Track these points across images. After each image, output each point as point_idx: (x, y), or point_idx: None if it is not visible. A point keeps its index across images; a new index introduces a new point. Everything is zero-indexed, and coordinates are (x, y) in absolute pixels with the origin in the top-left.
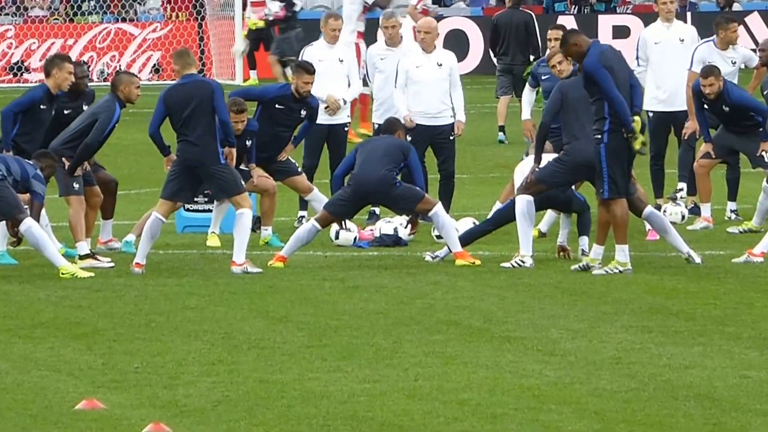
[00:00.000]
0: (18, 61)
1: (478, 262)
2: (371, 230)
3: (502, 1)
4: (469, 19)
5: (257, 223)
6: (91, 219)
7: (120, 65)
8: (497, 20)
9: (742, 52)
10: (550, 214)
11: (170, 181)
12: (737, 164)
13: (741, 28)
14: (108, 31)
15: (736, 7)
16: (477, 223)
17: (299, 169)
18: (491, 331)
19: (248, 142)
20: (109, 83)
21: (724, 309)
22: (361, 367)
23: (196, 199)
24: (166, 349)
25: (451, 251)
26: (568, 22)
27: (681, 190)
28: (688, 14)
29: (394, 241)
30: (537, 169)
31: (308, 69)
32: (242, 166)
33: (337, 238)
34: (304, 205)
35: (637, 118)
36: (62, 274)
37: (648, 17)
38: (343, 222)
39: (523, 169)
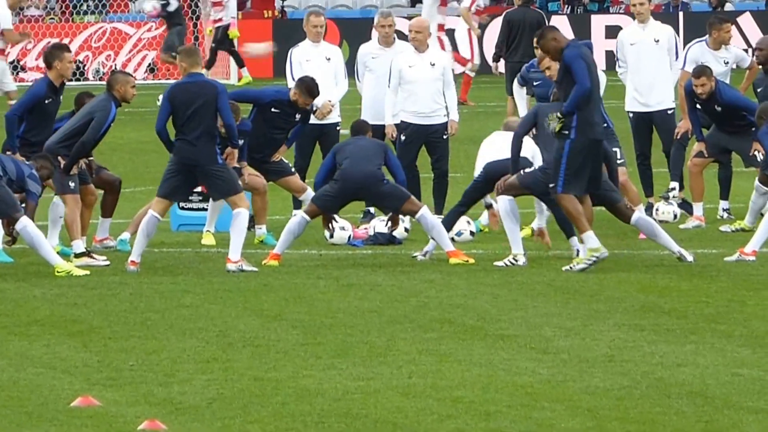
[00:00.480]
0: (14, 60)
1: (471, 260)
2: (365, 229)
3: (495, 0)
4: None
5: (251, 222)
6: (87, 217)
7: (115, 65)
8: (509, 18)
9: (734, 52)
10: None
11: (167, 180)
12: (729, 163)
13: (733, 29)
14: (103, 31)
15: (728, 7)
16: (471, 221)
17: (292, 169)
18: (485, 329)
19: (240, 142)
20: (104, 83)
21: (717, 307)
22: (356, 365)
23: (190, 198)
24: (161, 346)
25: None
26: (561, 22)
27: (673, 189)
28: (680, 14)
29: (388, 239)
30: (521, 174)
31: (312, 93)
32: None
33: (331, 236)
34: (297, 204)
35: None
36: (58, 272)
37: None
38: (330, 224)
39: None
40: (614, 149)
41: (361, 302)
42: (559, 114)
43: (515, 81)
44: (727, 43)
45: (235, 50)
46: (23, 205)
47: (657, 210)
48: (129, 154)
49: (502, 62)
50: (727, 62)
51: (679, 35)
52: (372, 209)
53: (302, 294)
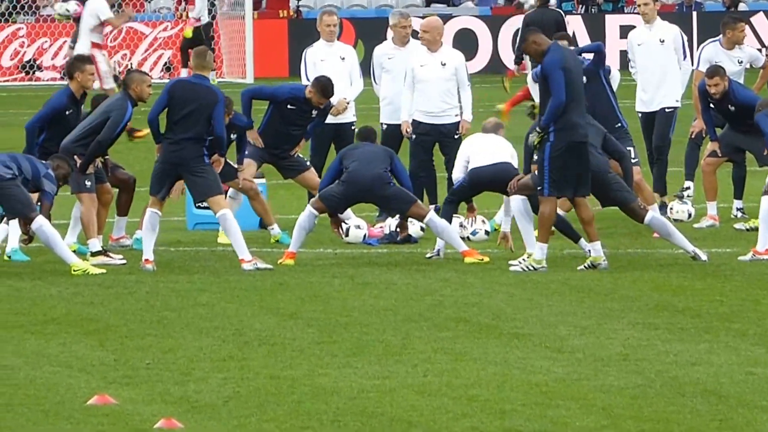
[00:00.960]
0: (30, 60)
1: (486, 259)
2: (381, 227)
3: (510, 0)
4: (478, 19)
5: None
6: (103, 216)
7: (131, 64)
8: (528, 20)
9: (748, 51)
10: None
11: (155, 181)
12: (743, 162)
13: (747, 28)
14: (119, 30)
15: (741, 7)
16: (486, 221)
17: (308, 164)
18: (500, 327)
19: (233, 136)
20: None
21: (731, 306)
22: (371, 364)
23: None
24: (177, 345)
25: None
26: (576, 21)
27: (688, 188)
28: (694, 14)
29: (403, 238)
30: (534, 174)
31: (327, 93)
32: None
33: (346, 235)
34: None
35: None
36: (74, 270)
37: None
38: (338, 227)
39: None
40: (628, 148)
41: (377, 301)
42: (537, 128)
43: (529, 77)
44: (741, 42)
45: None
46: (38, 203)
47: (671, 209)
48: (145, 153)
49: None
50: (741, 62)
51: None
52: None
53: (318, 292)
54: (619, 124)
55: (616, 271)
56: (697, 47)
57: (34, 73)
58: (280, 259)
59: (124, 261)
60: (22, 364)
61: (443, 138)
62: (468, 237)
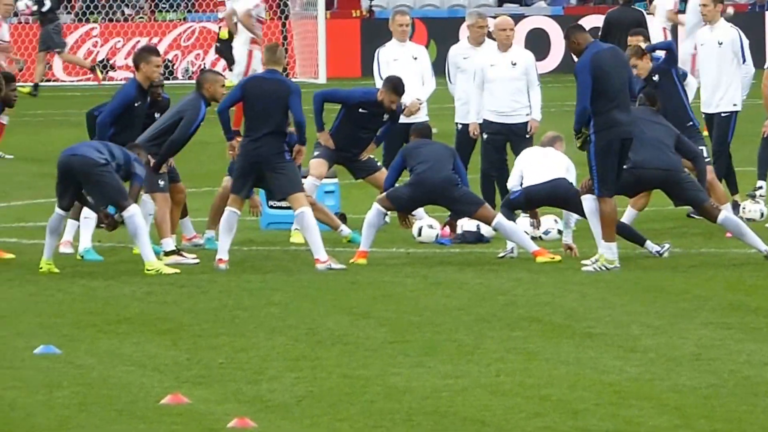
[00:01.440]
0: (103, 60)
1: (558, 258)
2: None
3: (583, 0)
4: (550, 19)
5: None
6: (176, 216)
7: (204, 64)
8: (609, 17)
9: None
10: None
11: (236, 178)
12: None
13: None
14: (192, 30)
15: None
16: (558, 220)
17: (379, 164)
18: (572, 327)
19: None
20: (194, 81)
21: None
22: (443, 363)
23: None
24: (250, 344)
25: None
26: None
27: (760, 188)
28: (766, 13)
29: (476, 237)
30: None
31: (398, 91)
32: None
33: (419, 235)
34: None
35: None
36: (147, 270)
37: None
38: (405, 221)
39: (527, 156)
40: (700, 148)
41: (449, 300)
42: (574, 132)
43: None
44: None
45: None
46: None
47: (744, 208)
48: (219, 152)
49: None
50: None
51: (765, 35)
52: None
53: (390, 292)
54: (691, 123)
55: (689, 271)
56: None
57: (107, 73)
58: (352, 258)
59: (197, 260)
60: (96, 364)
61: (514, 137)
62: (540, 237)
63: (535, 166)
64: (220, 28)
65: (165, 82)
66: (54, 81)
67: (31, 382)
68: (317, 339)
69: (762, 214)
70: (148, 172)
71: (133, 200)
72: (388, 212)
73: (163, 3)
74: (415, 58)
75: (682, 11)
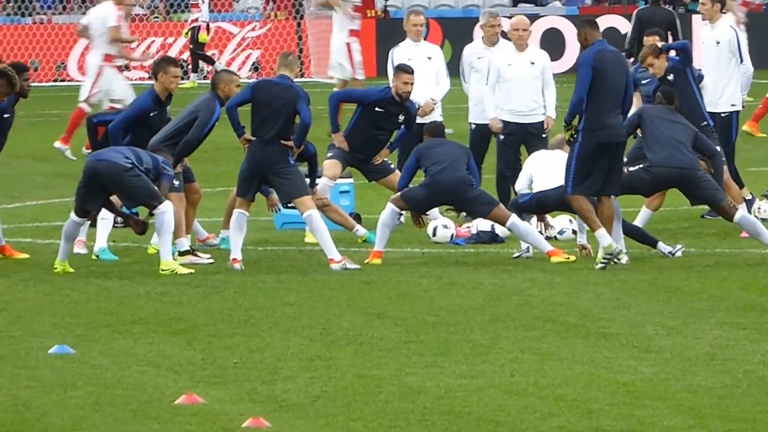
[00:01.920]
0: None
1: (573, 258)
2: (468, 227)
3: (598, 0)
4: (565, 19)
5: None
6: (191, 216)
7: (220, 63)
8: (640, 16)
9: None
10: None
11: (241, 181)
12: None
13: None
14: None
15: None
16: (573, 220)
17: (393, 167)
18: (587, 327)
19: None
20: (208, 81)
21: None
22: (458, 363)
23: None
24: (265, 344)
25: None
26: None
27: None
28: None
29: (491, 238)
30: (625, 172)
31: (406, 69)
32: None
33: (434, 235)
34: None
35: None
36: (162, 270)
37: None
38: (419, 220)
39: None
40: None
41: (464, 300)
42: (564, 124)
43: None
44: None
45: (202, 53)
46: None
47: (759, 208)
48: (233, 152)
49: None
50: None
51: None
52: None
53: (405, 292)
54: (705, 123)
55: (704, 271)
56: None
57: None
58: (366, 258)
59: (212, 260)
60: (110, 364)
61: (530, 137)
62: (555, 237)
63: (545, 169)
64: (197, 30)
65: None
66: (68, 81)
67: (45, 381)
68: (332, 339)
69: None
70: None
71: (164, 197)
72: (403, 212)
73: (179, 2)
74: (430, 58)
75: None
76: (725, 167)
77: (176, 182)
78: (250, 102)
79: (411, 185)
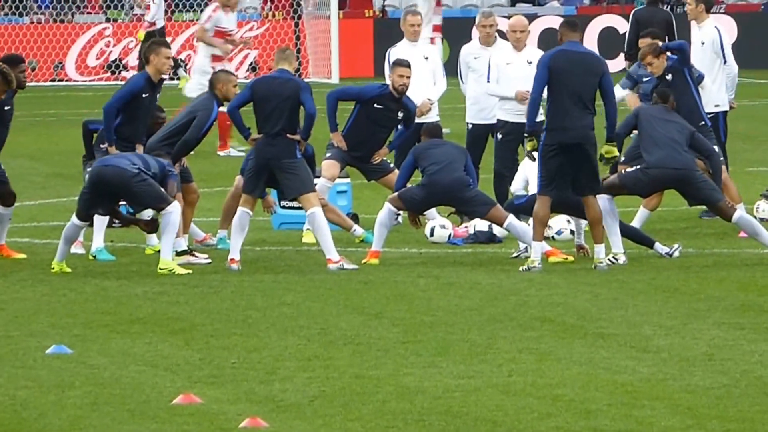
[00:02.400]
0: (116, 59)
1: (571, 258)
2: (466, 227)
3: (596, 0)
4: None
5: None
6: (189, 216)
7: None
8: (638, 16)
9: None
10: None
11: (249, 178)
12: None
13: None
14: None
15: None
16: (570, 220)
17: (392, 166)
18: (585, 327)
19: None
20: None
21: None
22: (456, 363)
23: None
24: (262, 344)
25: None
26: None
27: None
28: None
29: (488, 238)
30: (623, 173)
31: (402, 62)
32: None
33: (431, 235)
34: None
35: (609, 148)
36: (160, 269)
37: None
38: (416, 221)
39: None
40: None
41: (462, 300)
42: (525, 134)
43: (618, 83)
44: None
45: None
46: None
47: (758, 208)
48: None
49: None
50: None
51: None
52: None
53: (403, 292)
54: (703, 123)
55: (702, 271)
56: None
57: (119, 72)
58: (364, 258)
59: (209, 260)
60: (108, 364)
61: None
62: (553, 237)
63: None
64: (138, 30)
65: (177, 81)
66: (66, 81)
67: (43, 381)
68: (329, 339)
69: None
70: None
71: (171, 197)
72: (400, 212)
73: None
74: (427, 58)
75: None
76: (723, 167)
77: None
78: (251, 101)
79: (408, 185)
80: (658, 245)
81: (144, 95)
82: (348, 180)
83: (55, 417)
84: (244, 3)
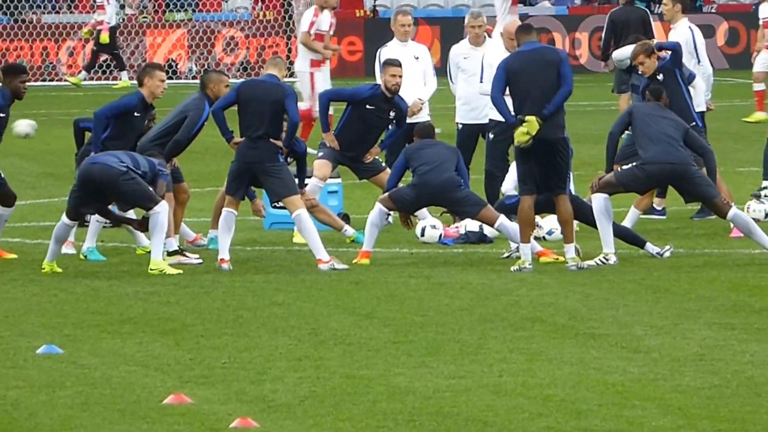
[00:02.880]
0: (107, 59)
1: (562, 258)
2: (456, 227)
3: (587, 0)
4: (555, 19)
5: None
6: (179, 216)
7: (208, 64)
8: (614, 17)
9: None
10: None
11: (231, 180)
12: None
13: None
14: (196, 30)
15: None
16: None
17: (383, 165)
18: (576, 327)
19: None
20: (197, 81)
21: None
22: (447, 363)
23: None
24: (253, 344)
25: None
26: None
27: (765, 188)
28: None
29: (479, 238)
30: (618, 171)
31: (393, 62)
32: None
33: (422, 235)
34: None
35: (530, 118)
36: (151, 269)
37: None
38: (407, 221)
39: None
40: None
41: (452, 300)
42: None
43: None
44: None
45: (118, 53)
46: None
47: (748, 208)
48: (222, 153)
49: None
50: None
51: None
52: None
53: (393, 292)
54: (694, 123)
55: (693, 271)
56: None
57: (111, 73)
58: (355, 258)
59: (200, 260)
60: (99, 364)
61: None
62: (544, 237)
63: None
64: (100, 31)
65: (168, 81)
66: (57, 81)
67: (33, 381)
68: (320, 339)
69: (766, 214)
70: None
71: (160, 197)
72: (391, 212)
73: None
74: (417, 58)
75: None
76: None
77: None
78: (236, 103)
79: (400, 185)
80: (649, 245)
81: (136, 114)
82: (339, 180)
83: (46, 417)
84: (236, 3)
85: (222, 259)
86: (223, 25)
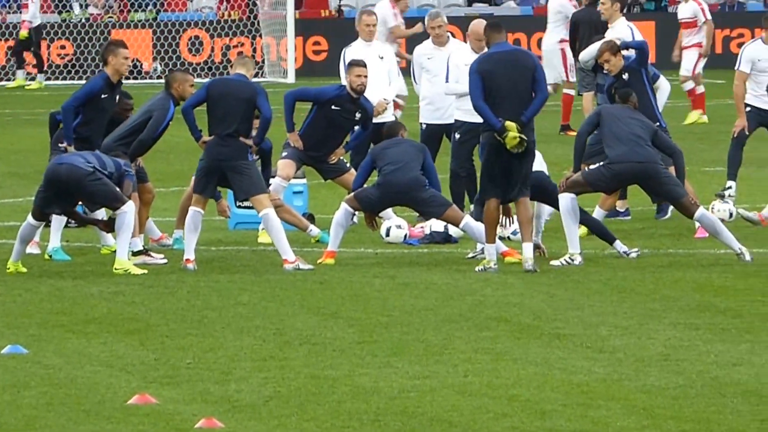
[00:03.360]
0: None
1: None
2: (422, 228)
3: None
4: (520, 19)
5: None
6: (144, 216)
7: (175, 63)
8: (575, 18)
9: None
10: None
11: (199, 178)
12: None
13: None
14: (161, 30)
15: None
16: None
17: (348, 166)
18: (541, 328)
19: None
20: (163, 81)
21: None
22: (411, 364)
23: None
24: (218, 344)
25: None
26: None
27: (729, 188)
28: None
29: (444, 238)
30: (586, 170)
31: (358, 62)
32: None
33: (387, 235)
34: None
35: (510, 124)
36: (116, 269)
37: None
38: (372, 223)
39: None
40: None
41: (417, 301)
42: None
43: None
44: None
45: (39, 53)
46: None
47: (713, 208)
48: (186, 152)
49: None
50: None
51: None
52: None
53: (358, 292)
54: (658, 124)
55: (658, 272)
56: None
57: (76, 71)
58: (320, 258)
59: (165, 260)
60: (63, 364)
61: None
62: (509, 237)
63: None
64: (20, 29)
65: (133, 81)
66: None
67: None
68: (285, 339)
69: (731, 215)
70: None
71: (126, 197)
72: (356, 212)
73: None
74: (381, 58)
75: None
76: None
77: None
78: (206, 101)
79: (366, 185)
80: (618, 243)
81: (103, 96)
82: (304, 180)
83: (11, 417)
84: (201, 2)
85: (187, 259)
86: (188, 24)
